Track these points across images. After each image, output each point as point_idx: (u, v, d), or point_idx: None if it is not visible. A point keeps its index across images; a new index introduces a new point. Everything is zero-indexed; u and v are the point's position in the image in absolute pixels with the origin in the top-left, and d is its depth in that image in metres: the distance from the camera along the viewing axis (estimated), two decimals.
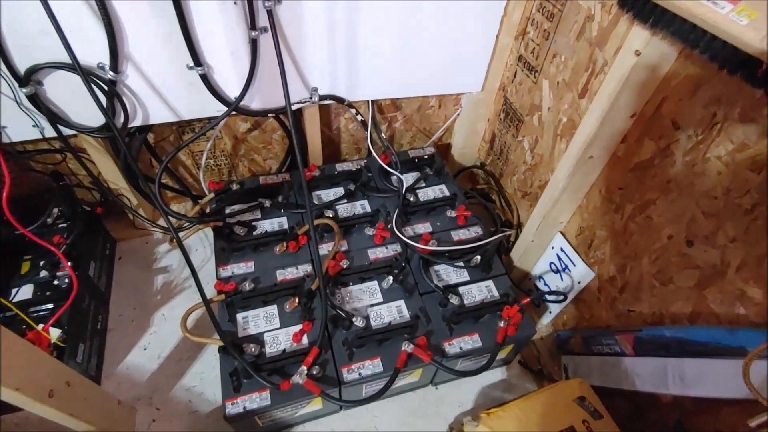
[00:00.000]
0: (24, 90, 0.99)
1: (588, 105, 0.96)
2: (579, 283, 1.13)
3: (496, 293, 1.17)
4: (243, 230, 1.24)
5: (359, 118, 1.39)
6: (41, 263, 1.17)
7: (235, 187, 1.34)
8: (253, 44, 1.07)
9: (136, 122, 1.14)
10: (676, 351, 0.86)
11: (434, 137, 1.64)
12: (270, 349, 1.03)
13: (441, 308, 1.13)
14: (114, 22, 0.95)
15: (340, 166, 1.44)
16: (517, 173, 1.41)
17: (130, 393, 1.18)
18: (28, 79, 0.98)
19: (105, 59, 1.00)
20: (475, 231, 1.30)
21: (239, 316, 1.09)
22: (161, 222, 1.47)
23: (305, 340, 1.05)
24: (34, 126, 1.08)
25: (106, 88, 1.03)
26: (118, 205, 1.37)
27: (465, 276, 1.20)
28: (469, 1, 1.17)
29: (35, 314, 1.09)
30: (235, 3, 0.99)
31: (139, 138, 1.23)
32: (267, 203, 1.30)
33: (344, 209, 1.33)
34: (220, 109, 1.17)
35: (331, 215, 1.29)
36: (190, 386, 1.20)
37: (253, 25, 1.03)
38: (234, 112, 1.18)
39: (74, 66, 0.91)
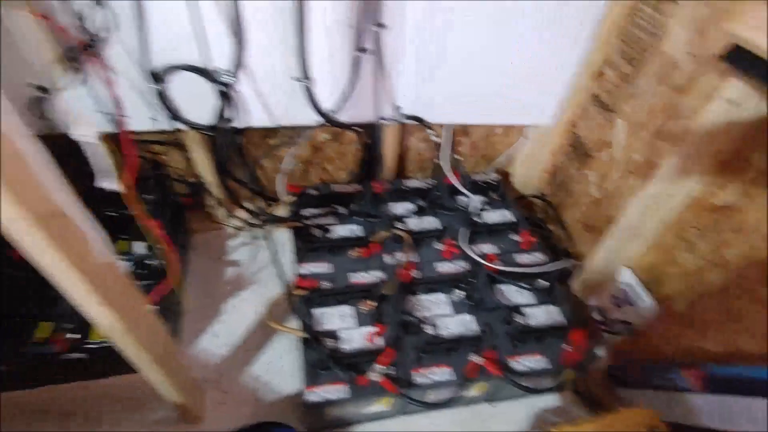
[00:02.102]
0: (155, 86, 1.11)
1: (667, 147, 1.02)
2: (642, 316, 1.16)
3: (559, 318, 1.21)
4: (320, 233, 1.32)
5: (435, 139, 1.47)
6: (135, 243, 1.27)
7: (312, 192, 1.43)
8: (355, 63, 1.17)
9: (240, 123, 1.24)
10: (747, 390, 0.89)
11: (496, 164, 1.71)
12: (345, 346, 1.09)
13: (506, 326, 1.17)
14: (243, 34, 1.06)
15: (409, 183, 1.52)
16: (579, 206, 1.46)
17: (200, 375, 1.25)
18: (160, 77, 1.10)
19: (227, 65, 1.11)
20: (538, 257, 1.35)
21: (316, 311, 1.16)
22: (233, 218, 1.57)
23: (378, 341, 1.11)
24: (151, 118, 1.19)
25: (222, 90, 1.14)
26: (200, 198, 1.47)
27: (529, 298, 1.25)
28: (551, 39, 1.25)
29: None
30: (350, 26, 1.10)
31: (236, 138, 1.33)
32: (342, 210, 1.39)
33: (414, 223, 1.40)
34: (311, 118, 1.28)
35: (402, 228, 1.36)
36: (257, 375, 1.26)
37: (359, 46, 1.13)
38: (324, 123, 1.28)
39: (202, 70, 1.03)
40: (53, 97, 1.09)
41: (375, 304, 1.17)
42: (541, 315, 1.21)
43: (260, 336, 1.34)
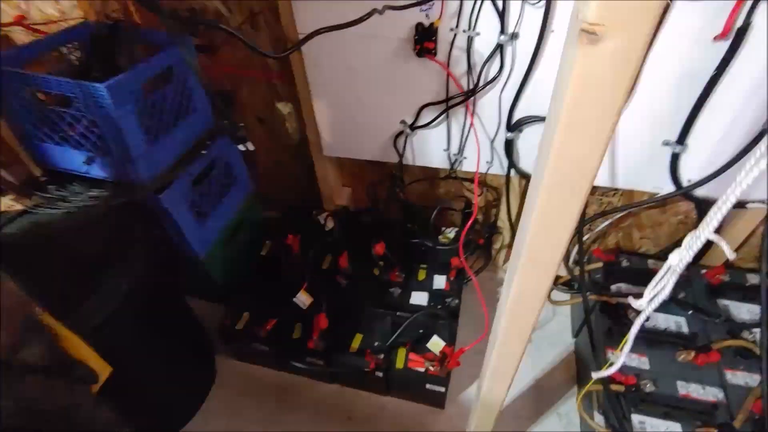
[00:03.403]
0: (508, 134, 1.10)
1: None
2: None
3: None
4: (637, 316, 1.12)
5: None
6: (436, 276, 1.30)
7: (625, 263, 1.24)
8: (762, 133, 0.94)
9: None
10: None
11: None
12: None
13: None
14: None
15: (753, 278, 1.20)
16: None
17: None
18: (517, 126, 1.08)
19: None
20: None
21: (635, 417, 0.97)
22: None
23: None
24: (487, 162, 1.19)
25: None
26: (489, 239, 1.45)
27: None
28: None
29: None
30: None
31: None
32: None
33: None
34: (661, 187, 1.10)
35: (749, 338, 1.06)
36: None
37: None
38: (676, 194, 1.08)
39: None
40: (412, 134, 1.18)
41: None
42: None
43: (531, 403, 1.23)
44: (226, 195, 1.37)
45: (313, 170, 1.45)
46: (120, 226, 1.02)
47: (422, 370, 1.12)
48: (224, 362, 1.37)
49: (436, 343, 1.18)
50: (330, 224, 1.36)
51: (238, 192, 1.42)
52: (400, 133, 1.19)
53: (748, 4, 0.78)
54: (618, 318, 1.14)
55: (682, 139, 0.99)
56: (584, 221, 1.12)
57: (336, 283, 1.29)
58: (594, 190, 1.31)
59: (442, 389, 1.15)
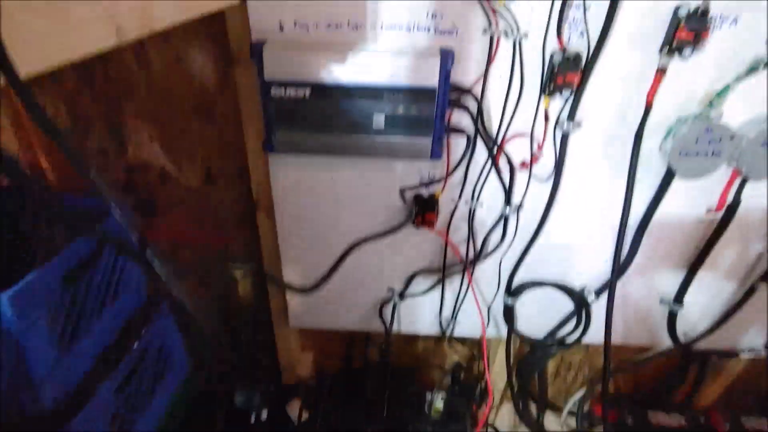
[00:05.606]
0: (508, 300, 1.00)
1: None
2: None
3: None
4: None
5: None
6: None
7: (630, 420, 1.15)
8: (749, 292, 0.96)
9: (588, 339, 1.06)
10: None
11: None
12: None
13: None
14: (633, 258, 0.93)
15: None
16: None
17: None
18: (517, 292, 1.00)
19: (592, 285, 0.98)
20: None
21: None
22: None
23: None
24: (488, 326, 1.08)
25: (579, 308, 1.00)
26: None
27: None
28: None
29: None
30: None
31: (550, 353, 1.16)
32: None
33: None
34: (659, 342, 1.07)
35: None
36: None
37: None
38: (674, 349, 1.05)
39: (569, 290, 0.92)
40: (401, 301, 1.04)
41: None
42: None
43: None
44: (158, 386, 1.05)
45: (268, 336, 1.21)
46: None
47: None
48: None
49: None
50: (304, 415, 1.09)
51: (174, 378, 1.11)
52: (387, 300, 1.04)
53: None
54: None
55: (679, 297, 0.98)
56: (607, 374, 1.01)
57: None
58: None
59: None
